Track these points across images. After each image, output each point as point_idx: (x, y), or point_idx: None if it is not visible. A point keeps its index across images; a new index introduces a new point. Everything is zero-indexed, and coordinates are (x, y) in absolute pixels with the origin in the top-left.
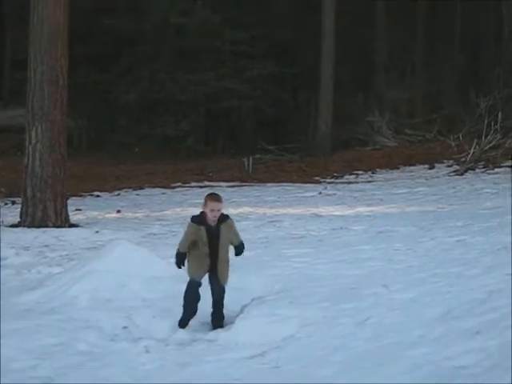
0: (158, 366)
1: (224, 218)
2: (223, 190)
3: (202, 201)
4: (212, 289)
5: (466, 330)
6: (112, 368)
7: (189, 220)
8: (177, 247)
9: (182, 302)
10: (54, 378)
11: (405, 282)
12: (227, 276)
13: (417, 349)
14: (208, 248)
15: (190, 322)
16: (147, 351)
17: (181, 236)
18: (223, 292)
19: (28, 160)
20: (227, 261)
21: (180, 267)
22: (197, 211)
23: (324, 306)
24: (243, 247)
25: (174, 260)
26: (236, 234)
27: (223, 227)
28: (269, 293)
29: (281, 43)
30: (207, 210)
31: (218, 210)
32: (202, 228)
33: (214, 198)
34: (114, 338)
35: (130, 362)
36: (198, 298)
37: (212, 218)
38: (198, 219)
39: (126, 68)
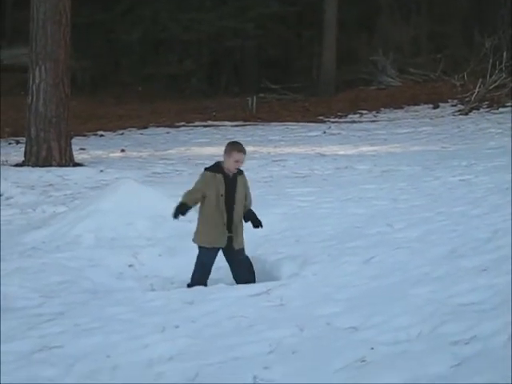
0: (163, 303)
1: (239, 171)
2: (227, 129)
3: (224, 149)
4: (233, 263)
5: (471, 268)
6: (118, 306)
7: (202, 171)
8: (180, 199)
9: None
10: (64, 314)
11: (409, 221)
12: (243, 238)
13: (422, 287)
14: (224, 202)
15: None
16: (153, 289)
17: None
18: (248, 260)
19: (32, 99)
20: (242, 221)
21: (176, 217)
22: (200, 150)
23: (329, 244)
24: (255, 214)
25: (172, 211)
26: (249, 192)
27: (239, 179)
28: (274, 232)
29: None
30: (230, 161)
31: (242, 162)
32: (220, 176)
33: (239, 148)
34: (120, 276)
35: (136, 300)
36: (209, 271)
37: (233, 169)
38: (215, 167)
39: (128, 7)
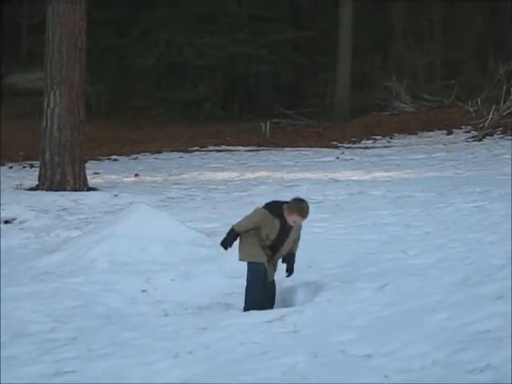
0: (176, 329)
1: None
2: (241, 154)
3: (288, 203)
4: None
5: (486, 296)
6: (131, 331)
7: (261, 206)
8: (232, 227)
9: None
10: (77, 339)
11: (423, 247)
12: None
13: (436, 314)
14: (271, 245)
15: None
16: (166, 314)
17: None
18: (274, 288)
19: (46, 124)
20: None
21: (227, 248)
22: (214, 175)
23: (342, 271)
24: (294, 261)
25: (222, 238)
26: (298, 239)
27: (294, 229)
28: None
29: (298, 7)
30: (289, 218)
31: (299, 224)
32: (277, 222)
33: (303, 213)
34: (133, 301)
35: (149, 325)
36: (264, 283)
37: (290, 223)
38: (277, 211)
39: (143, 32)
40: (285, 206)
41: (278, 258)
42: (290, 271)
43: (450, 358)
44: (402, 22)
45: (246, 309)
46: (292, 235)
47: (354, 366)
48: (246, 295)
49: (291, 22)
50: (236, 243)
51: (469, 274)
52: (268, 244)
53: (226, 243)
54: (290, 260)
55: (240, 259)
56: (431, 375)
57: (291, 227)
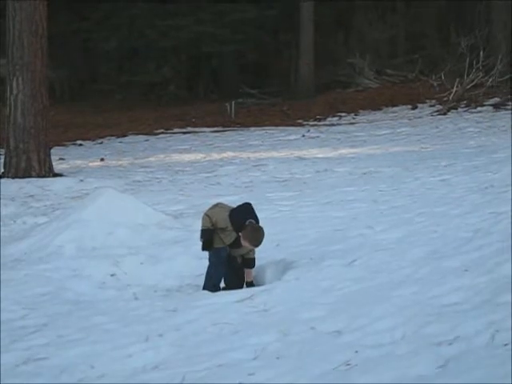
0: (146, 312)
1: None
2: (206, 135)
3: (246, 227)
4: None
5: (453, 269)
6: (101, 315)
7: (228, 209)
8: (201, 227)
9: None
10: (47, 325)
11: (390, 222)
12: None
13: (405, 288)
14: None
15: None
16: (136, 298)
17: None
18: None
19: (10, 111)
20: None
21: (208, 249)
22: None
23: (310, 248)
24: (254, 265)
25: (200, 240)
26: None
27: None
28: None
29: None
30: (242, 241)
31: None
32: (234, 235)
33: (256, 242)
34: (102, 286)
35: (119, 309)
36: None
37: (241, 242)
38: (237, 226)
39: (105, 15)
40: (246, 225)
41: (247, 267)
42: (248, 284)
43: (419, 331)
44: None
45: (206, 289)
46: (245, 248)
47: (325, 343)
48: (206, 277)
49: (254, 0)
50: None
51: (436, 247)
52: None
53: (206, 243)
54: (248, 264)
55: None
56: (401, 349)
57: (240, 245)
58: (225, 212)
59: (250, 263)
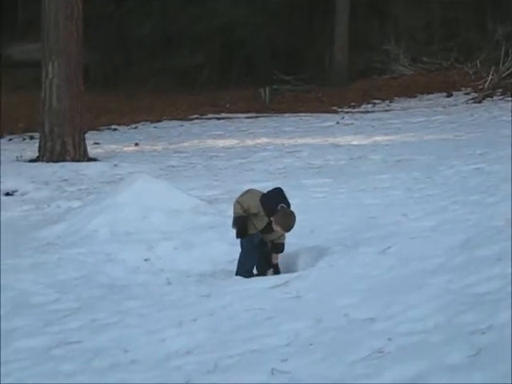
0: (180, 297)
1: None
2: (241, 121)
3: (278, 212)
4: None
5: (487, 258)
6: (135, 300)
7: (259, 194)
8: (234, 214)
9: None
10: (81, 309)
11: (424, 210)
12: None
13: (438, 277)
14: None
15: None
16: (169, 283)
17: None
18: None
19: (45, 95)
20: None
21: (242, 236)
22: (214, 142)
23: (344, 235)
24: (283, 249)
25: (233, 227)
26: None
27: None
28: None
29: None
30: (274, 226)
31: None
32: (266, 220)
33: (287, 228)
34: (136, 271)
35: (153, 294)
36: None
37: (273, 227)
38: (269, 210)
39: (138, 1)
40: (277, 210)
41: (275, 252)
42: (275, 270)
43: (452, 320)
44: None
45: (239, 274)
46: (276, 233)
47: (358, 330)
48: (239, 263)
49: None
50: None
51: (469, 236)
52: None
53: (241, 230)
54: (277, 249)
55: (237, 237)
56: (434, 337)
57: (273, 230)
58: (256, 197)
59: (280, 247)
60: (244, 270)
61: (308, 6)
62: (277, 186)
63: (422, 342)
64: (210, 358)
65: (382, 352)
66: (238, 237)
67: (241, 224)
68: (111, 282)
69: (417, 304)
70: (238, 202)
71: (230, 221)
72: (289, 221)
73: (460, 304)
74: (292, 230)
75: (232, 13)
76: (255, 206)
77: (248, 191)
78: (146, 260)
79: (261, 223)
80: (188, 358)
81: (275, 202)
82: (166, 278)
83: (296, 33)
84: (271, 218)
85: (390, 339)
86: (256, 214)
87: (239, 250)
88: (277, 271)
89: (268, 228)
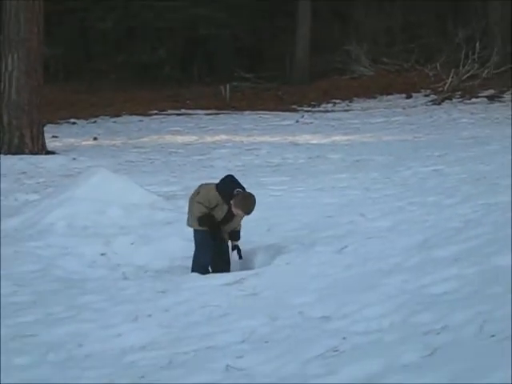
0: (136, 292)
1: None
2: (200, 117)
3: (237, 195)
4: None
5: (443, 258)
6: (91, 294)
7: (213, 186)
8: (197, 214)
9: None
10: (37, 303)
11: (381, 210)
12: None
13: (394, 277)
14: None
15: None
16: (125, 278)
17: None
18: (228, 250)
19: (4, 87)
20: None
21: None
22: (173, 138)
23: (301, 233)
24: (239, 237)
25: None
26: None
27: (238, 217)
28: (246, 221)
29: None
30: (234, 209)
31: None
32: (226, 207)
33: (247, 210)
34: (93, 265)
35: (109, 289)
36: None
37: (234, 212)
38: (227, 197)
39: None
40: (235, 195)
41: (233, 239)
42: (238, 251)
43: (407, 320)
44: None
45: (195, 271)
46: (237, 219)
47: (314, 328)
48: (193, 259)
49: None
50: None
51: (426, 236)
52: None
53: (213, 227)
54: (235, 237)
55: (188, 225)
56: (389, 337)
57: (233, 217)
58: (211, 190)
59: (237, 235)
60: (199, 266)
61: (271, 5)
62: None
63: (377, 341)
64: (164, 354)
65: (336, 351)
66: (212, 232)
67: (210, 222)
68: (67, 275)
69: (372, 303)
70: (199, 203)
71: (185, 218)
72: (249, 202)
73: (416, 304)
74: (249, 228)
75: (195, 9)
76: (214, 198)
77: (200, 187)
78: (102, 254)
79: (220, 213)
80: (143, 353)
81: (231, 188)
82: (122, 272)
83: (258, 31)
84: (231, 203)
85: (344, 338)
86: (215, 206)
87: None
88: (239, 250)
89: (227, 217)
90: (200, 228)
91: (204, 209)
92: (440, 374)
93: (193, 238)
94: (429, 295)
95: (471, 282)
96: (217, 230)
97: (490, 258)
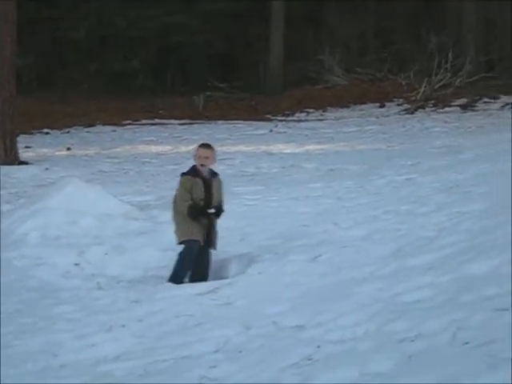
0: (110, 302)
1: (214, 173)
2: (174, 127)
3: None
4: (200, 259)
5: (417, 267)
6: (65, 305)
7: (179, 177)
8: (180, 206)
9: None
10: (11, 313)
11: (355, 219)
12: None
13: (368, 285)
14: (204, 202)
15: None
16: (99, 288)
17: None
18: (209, 259)
19: None
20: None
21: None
22: (147, 148)
23: (276, 243)
24: (222, 211)
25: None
26: (222, 194)
27: (214, 182)
28: (220, 230)
29: None
30: (198, 160)
31: (206, 158)
32: (199, 180)
33: (202, 144)
34: (66, 275)
35: (83, 299)
36: (194, 262)
37: (199, 164)
38: (193, 171)
39: (74, 3)
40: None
41: (215, 223)
42: (217, 214)
43: (381, 328)
44: None
45: (171, 281)
46: (215, 188)
47: (288, 337)
48: (173, 270)
49: None
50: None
51: (400, 245)
52: (202, 204)
53: (201, 214)
54: (218, 209)
55: (178, 243)
56: (363, 345)
57: (211, 182)
58: (181, 181)
59: (220, 210)
60: (177, 277)
61: (244, 15)
62: None
63: (351, 350)
64: (139, 364)
65: (310, 359)
66: (203, 214)
67: (196, 211)
68: (41, 286)
69: (347, 312)
70: (180, 192)
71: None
72: (202, 143)
73: (390, 312)
74: (223, 238)
75: (168, 18)
76: (186, 180)
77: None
78: (76, 265)
79: (199, 188)
80: (117, 363)
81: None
82: (96, 282)
83: (232, 41)
84: (195, 162)
85: (319, 347)
86: (191, 186)
87: (170, 256)
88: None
89: (207, 187)
90: (188, 238)
91: (187, 195)
92: (414, 382)
93: (167, 248)
94: (403, 303)
95: (445, 290)
96: (205, 210)
97: (464, 266)
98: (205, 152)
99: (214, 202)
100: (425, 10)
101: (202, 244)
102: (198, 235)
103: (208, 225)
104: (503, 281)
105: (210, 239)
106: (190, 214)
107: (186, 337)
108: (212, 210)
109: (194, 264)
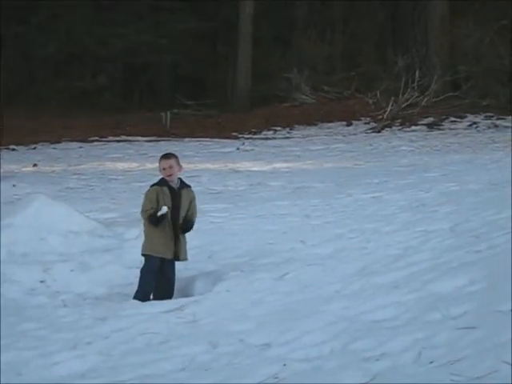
0: (75, 319)
1: (186, 185)
2: (141, 144)
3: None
4: (165, 274)
5: (383, 285)
6: (29, 322)
7: (148, 190)
8: (142, 215)
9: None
10: None
11: (322, 237)
12: (186, 250)
13: (334, 303)
14: (171, 214)
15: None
16: (65, 305)
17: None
18: (173, 278)
19: None
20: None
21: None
22: (114, 165)
23: (242, 260)
24: (192, 224)
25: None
26: (194, 206)
27: (184, 193)
28: (187, 247)
29: None
30: (162, 172)
31: (170, 167)
32: (165, 188)
33: (162, 156)
34: (32, 292)
35: (48, 316)
36: (156, 276)
37: (166, 176)
38: (160, 181)
39: (43, 20)
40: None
41: (183, 237)
42: (183, 230)
43: (347, 346)
44: (304, 14)
45: (136, 298)
46: (185, 202)
47: (254, 356)
48: (138, 287)
49: (193, 11)
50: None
51: (366, 263)
52: (169, 219)
53: (158, 221)
54: (186, 223)
55: (141, 254)
56: (329, 364)
57: (180, 193)
58: (146, 192)
59: (189, 224)
60: (141, 294)
61: (212, 33)
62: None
63: (316, 368)
64: (104, 382)
65: (276, 378)
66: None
67: (156, 218)
68: (6, 303)
69: (312, 330)
70: (144, 202)
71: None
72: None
73: (355, 331)
74: (190, 255)
75: (137, 36)
76: (151, 191)
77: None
78: (41, 282)
79: (167, 197)
80: (82, 381)
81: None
82: (61, 300)
83: (199, 58)
84: (161, 171)
85: (284, 365)
86: (157, 196)
87: (136, 274)
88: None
89: (174, 197)
90: (149, 253)
91: (148, 204)
92: None
93: (132, 265)
94: (368, 322)
95: (410, 308)
96: (162, 219)
97: (429, 284)
98: (167, 163)
99: (182, 212)
100: (391, 31)
101: (169, 257)
102: (160, 251)
103: (174, 237)
104: (468, 300)
105: (176, 252)
106: (151, 222)
107: (152, 355)
108: (163, 211)
109: (156, 278)
